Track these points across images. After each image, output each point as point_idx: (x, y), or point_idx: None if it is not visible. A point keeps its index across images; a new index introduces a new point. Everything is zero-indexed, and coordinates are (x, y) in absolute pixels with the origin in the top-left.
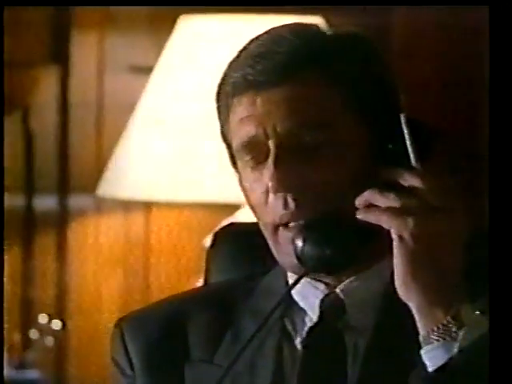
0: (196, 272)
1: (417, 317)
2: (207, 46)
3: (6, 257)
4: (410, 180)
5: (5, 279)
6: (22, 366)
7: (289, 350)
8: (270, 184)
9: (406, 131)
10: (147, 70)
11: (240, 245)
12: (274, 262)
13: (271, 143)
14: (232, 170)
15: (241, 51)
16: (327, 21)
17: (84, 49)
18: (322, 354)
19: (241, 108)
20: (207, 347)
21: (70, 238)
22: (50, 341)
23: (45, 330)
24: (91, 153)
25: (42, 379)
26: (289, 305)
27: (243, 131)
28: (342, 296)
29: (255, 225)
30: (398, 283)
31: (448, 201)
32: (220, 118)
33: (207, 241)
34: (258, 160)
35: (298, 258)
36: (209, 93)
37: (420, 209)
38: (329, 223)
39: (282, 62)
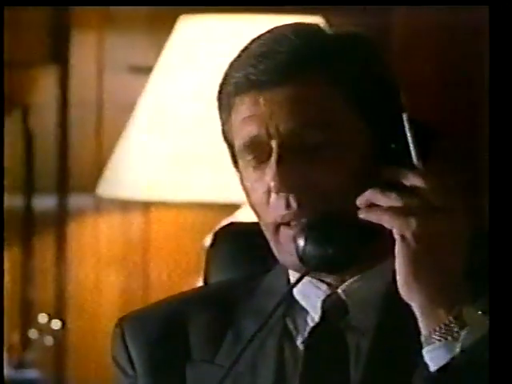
0: (195, 272)
1: (419, 317)
2: (207, 46)
3: (5, 256)
4: (411, 180)
5: (4, 279)
6: (21, 365)
7: (290, 349)
8: (272, 184)
9: (408, 131)
10: (147, 70)
11: (239, 244)
12: (274, 261)
13: (274, 143)
14: (231, 169)
15: (242, 51)
16: (327, 21)
17: (84, 49)
18: (324, 354)
19: (243, 107)
20: (208, 347)
21: (69, 237)
22: (49, 340)
23: (44, 330)
24: (91, 153)
25: (41, 379)
26: (290, 304)
27: (245, 131)
28: (343, 296)
29: (255, 224)
30: (399, 283)
31: (449, 201)
32: (221, 117)
33: (207, 240)
34: (260, 160)
35: (300, 257)
36: (208, 93)
37: (422, 209)
38: (331, 223)
39: (285, 62)
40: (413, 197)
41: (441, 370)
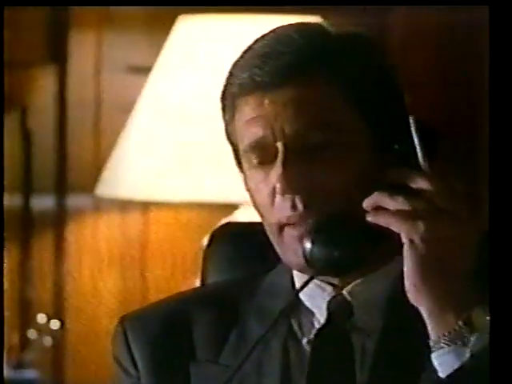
0: (194, 272)
1: (427, 321)
2: (206, 46)
3: (4, 257)
4: (418, 182)
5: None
6: (20, 365)
7: (295, 349)
8: (277, 185)
9: (414, 133)
10: (145, 70)
11: (236, 245)
12: (275, 260)
13: (279, 144)
14: (230, 170)
15: (246, 51)
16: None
17: (82, 48)
18: (330, 355)
19: (247, 108)
20: (212, 347)
21: (68, 237)
22: (48, 341)
23: (43, 330)
24: (89, 152)
25: (40, 379)
26: (295, 305)
27: (251, 132)
28: (349, 298)
29: (252, 224)
30: (408, 287)
31: (457, 203)
32: (225, 118)
33: (206, 241)
34: (265, 161)
35: (307, 259)
36: (207, 93)
37: (429, 212)
38: (337, 225)
39: (290, 63)
40: (420, 200)
41: (450, 375)
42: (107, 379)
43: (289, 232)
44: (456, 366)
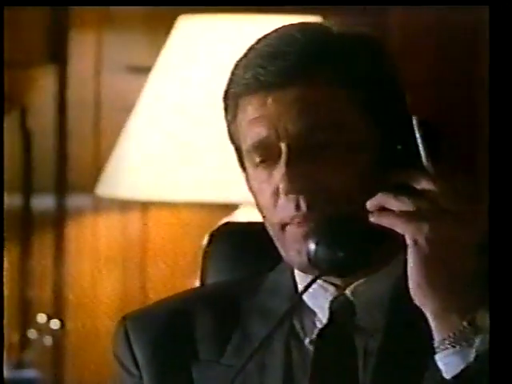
0: (194, 272)
1: (432, 322)
2: (206, 46)
3: (4, 257)
4: (422, 183)
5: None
6: (20, 365)
7: (297, 349)
8: (281, 185)
9: (418, 133)
10: (145, 70)
11: (236, 244)
12: (272, 260)
13: (283, 145)
14: (230, 169)
15: (248, 51)
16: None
17: (82, 49)
18: (333, 355)
19: (251, 108)
20: (214, 347)
21: (68, 237)
22: (48, 340)
23: (43, 330)
24: (89, 152)
25: (40, 379)
26: (297, 304)
27: (254, 132)
28: (351, 298)
29: (251, 224)
30: (412, 288)
31: (461, 204)
32: (227, 117)
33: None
34: (269, 161)
35: (310, 259)
36: (207, 93)
37: (433, 213)
38: (340, 225)
39: (294, 63)
40: (424, 201)
41: (455, 376)
42: (107, 379)
43: (291, 231)
44: (461, 367)
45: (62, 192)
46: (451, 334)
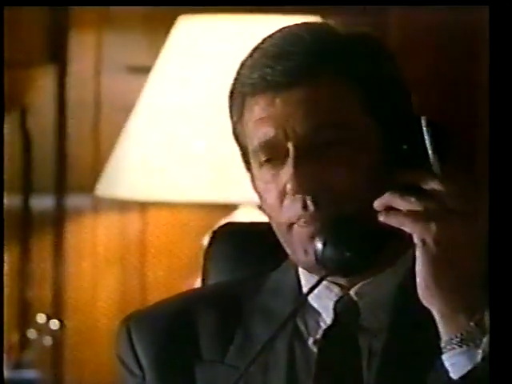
0: (193, 272)
1: (439, 322)
2: (206, 46)
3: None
4: (429, 183)
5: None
6: (20, 365)
7: (301, 349)
8: (288, 185)
9: (426, 134)
10: (145, 71)
11: (237, 244)
12: (274, 260)
13: (290, 144)
14: (229, 170)
15: (254, 50)
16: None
17: (82, 49)
18: (337, 355)
19: (257, 108)
20: (217, 347)
21: (67, 237)
22: (48, 340)
23: (43, 330)
24: (88, 152)
25: (40, 379)
26: (301, 305)
27: (261, 132)
28: (356, 298)
29: (253, 224)
30: (420, 288)
31: (467, 204)
32: (232, 117)
33: (206, 240)
34: (276, 161)
35: (318, 260)
36: (207, 93)
37: (441, 213)
38: (348, 225)
39: (302, 63)
40: (431, 201)
41: (463, 376)
42: (107, 379)
43: (298, 230)
44: (468, 367)
45: (62, 192)
46: (458, 335)
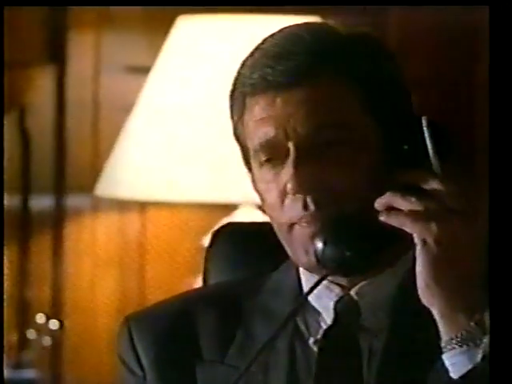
0: (192, 272)
1: (439, 322)
2: (205, 46)
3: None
4: (430, 183)
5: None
6: (19, 365)
7: (301, 349)
8: (289, 185)
9: (427, 134)
10: (143, 70)
11: (238, 244)
12: (275, 260)
13: (291, 144)
14: (229, 169)
15: (254, 50)
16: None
17: (81, 49)
18: (337, 355)
19: (258, 108)
20: (218, 347)
21: (66, 237)
22: (47, 341)
23: (42, 330)
24: (88, 153)
25: (39, 379)
26: (302, 305)
27: (261, 132)
28: (356, 298)
29: (254, 224)
30: (420, 288)
31: (468, 204)
32: (233, 117)
33: (206, 240)
34: (276, 160)
35: (318, 259)
36: (207, 93)
37: (442, 213)
38: (348, 225)
39: (303, 63)
40: (432, 201)
41: (463, 376)
42: (106, 379)
43: (299, 230)
44: (468, 367)
45: (61, 192)
46: (458, 334)
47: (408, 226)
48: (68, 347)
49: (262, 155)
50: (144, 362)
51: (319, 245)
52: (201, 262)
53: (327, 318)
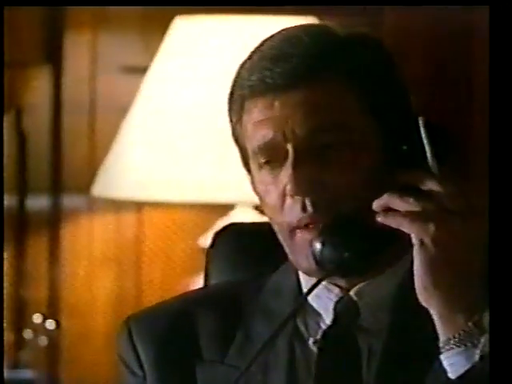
0: (189, 272)
1: (437, 322)
2: (202, 46)
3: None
4: (428, 184)
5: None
6: (16, 365)
7: (301, 350)
8: (288, 187)
9: (424, 134)
10: (140, 71)
11: (240, 245)
12: (276, 261)
13: (290, 146)
14: (226, 170)
15: (253, 53)
16: (322, 21)
17: (77, 49)
18: (337, 356)
19: (256, 110)
20: (218, 347)
21: (63, 238)
22: (44, 341)
23: (39, 330)
24: (84, 153)
25: (36, 379)
26: (301, 305)
27: (260, 134)
28: (355, 299)
29: (255, 225)
30: (418, 288)
31: (466, 205)
32: (231, 119)
33: (203, 241)
34: (275, 162)
35: (317, 260)
36: (203, 94)
37: (439, 213)
38: (347, 226)
39: (301, 65)
40: (429, 201)
41: (460, 376)
42: (103, 379)
43: (301, 236)
44: (466, 367)
45: (57, 192)
46: (456, 335)
47: (405, 227)
48: (65, 347)
49: (260, 157)
50: (144, 362)
51: (317, 245)
52: (197, 262)
53: (327, 318)
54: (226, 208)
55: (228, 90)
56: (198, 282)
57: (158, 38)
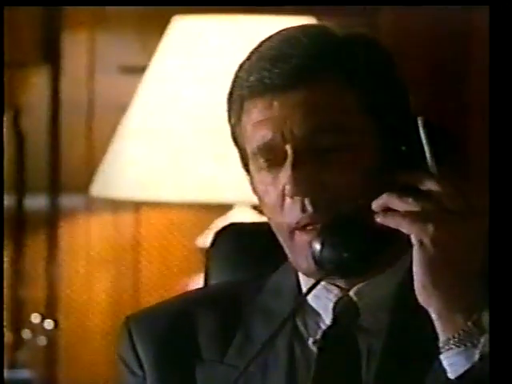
0: (186, 271)
1: (437, 322)
2: (200, 46)
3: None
4: (427, 184)
5: None
6: (14, 365)
7: (301, 349)
8: (287, 188)
9: (423, 134)
10: (138, 71)
11: (240, 245)
12: (276, 261)
13: (288, 147)
14: (224, 170)
15: (252, 53)
16: (320, 21)
17: (75, 49)
18: (336, 356)
19: (255, 111)
20: (217, 347)
21: (61, 237)
22: (42, 340)
23: (37, 330)
24: (82, 153)
25: (34, 379)
26: (301, 305)
27: (259, 135)
28: (355, 299)
29: (255, 225)
30: (417, 288)
31: (465, 205)
32: (230, 120)
33: (201, 241)
34: (274, 163)
35: (316, 261)
36: (201, 94)
37: (438, 214)
38: (346, 226)
39: (300, 65)
40: (429, 201)
41: (460, 376)
42: (101, 379)
43: (300, 237)
44: (466, 367)
45: (55, 192)
46: (456, 335)
47: (404, 227)
48: (63, 347)
49: (260, 158)
50: (144, 362)
51: (317, 246)
52: (195, 263)
53: (326, 318)
54: (225, 208)
55: (227, 90)
56: (197, 282)
57: (156, 38)
